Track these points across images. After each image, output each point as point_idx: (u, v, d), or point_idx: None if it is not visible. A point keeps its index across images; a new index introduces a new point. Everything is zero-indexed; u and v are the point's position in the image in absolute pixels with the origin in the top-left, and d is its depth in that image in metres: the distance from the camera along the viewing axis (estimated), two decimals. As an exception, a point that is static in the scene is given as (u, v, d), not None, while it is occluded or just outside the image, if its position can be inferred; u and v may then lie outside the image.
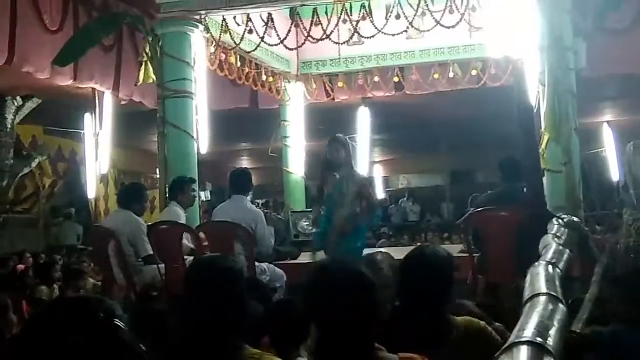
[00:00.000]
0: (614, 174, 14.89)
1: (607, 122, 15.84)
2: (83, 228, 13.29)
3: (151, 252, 6.10)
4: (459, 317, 2.87)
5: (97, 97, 10.69)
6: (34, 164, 12.49)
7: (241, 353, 2.40)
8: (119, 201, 6.69)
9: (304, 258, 7.33)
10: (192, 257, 6.08)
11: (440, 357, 2.42)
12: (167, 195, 6.74)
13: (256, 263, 6.03)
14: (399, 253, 2.72)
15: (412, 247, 3.46)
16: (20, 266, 9.15)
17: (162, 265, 6.02)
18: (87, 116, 11.37)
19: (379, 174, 21.23)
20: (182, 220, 6.31)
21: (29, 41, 7.55)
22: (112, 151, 11.44)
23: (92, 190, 11.83)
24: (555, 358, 1.36)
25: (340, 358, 2.15)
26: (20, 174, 12.12)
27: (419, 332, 2.60)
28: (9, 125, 11.03)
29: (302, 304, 2.42)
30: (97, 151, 11.26)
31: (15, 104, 10.97)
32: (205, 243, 6.13)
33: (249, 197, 6.59)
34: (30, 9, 7.53)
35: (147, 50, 7.30)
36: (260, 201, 15.54)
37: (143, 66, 7.36)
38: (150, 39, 7.26)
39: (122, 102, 10.06)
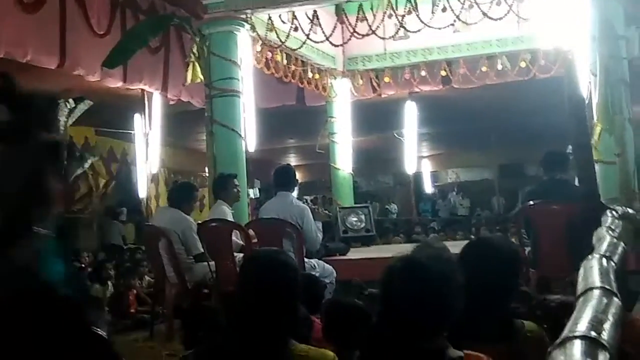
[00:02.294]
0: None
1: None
2: (135, 227, 13.52)
3: (202, 250, 6.17)
4: (525, 321, 2.73)
5: (146, 98, 10.86)
6: (86, 165, 12.70)
7: (290, 349, 2.41)
8: (170, 199, 6.78)
9: (353, 254, 7.33)
10: (242, 255, 6.14)
11: (500, 356, 2.33)
12: (213, 193, 6.78)
13: (305, 259, 6.05)
14: (451, 247, 2.57)
15: (462, 242, 3.36)
16: (76, 264, 9.35)
17: (212, 263, 6.08)
18: (137, 117, 11.56)
19: (427, 168, 21.11)
20: (229, 218, 6.36)
21: (79, 45, 7.72)
22: (162, 151, 11.62)
23: (143, 189, 12.02)
24: (611, 353, 1.33)
25: None
26: (73, 175, 12.37)
27: (481, 328, 2.44)
28: (62, 128, 11.25)
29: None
30: (147, 151, 11.44)
31: (68, 106, 11.16)
32: (255, 240, 6.17)
33: (294, 193, 6.62)
34: (78, 14, 7.71)
35: (195, 50, 7.38)
36: (308, 197, 15.59)
37: (191, 66, 7.45)
38: (198, 39, 7.34)
39: (171, 102, 10.21)
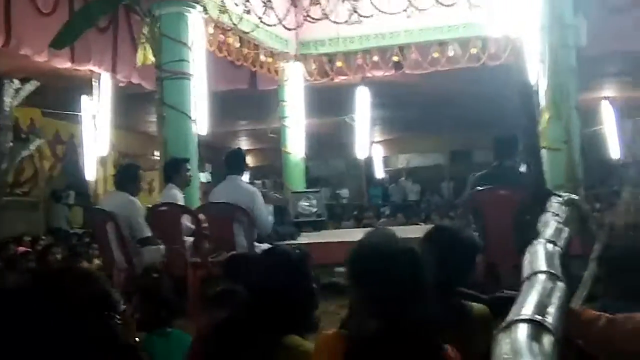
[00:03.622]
0: (614, 151, 14.87)
1: (607, 99, 15.79)
2: (83, 210, 13.30)
3: (148, 234, 6.11)
4: (475, 304, 2.81)
5: (95, 79, 10.65)
6: (32, 147, 12.47)
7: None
8: (116, 183, 6.68)
9: (304, 238, 7.34)
10: (191, 239, 6.10)
11: (451, 339, 2.37)
12: (164, 177, 6.71)
13: (257, 244, 6.04)
14: (401, 232, 2.62)
15: (412, 226, 3.45)
16: (21, 249, 9.17)
17: (162, 247, 6.03)
18: (86, 98, 11.34)
19: (378, 153, 21.22)
20: (180, 202, 6.31)
21: (25, 24, 7.52)
22: (111, 133, 11.42)
23: (91, 172, 11.82)
24: (555, 335, 1.36)
25: None
26: (19, 157, 12.10)
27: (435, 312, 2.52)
28: (7, 109, 10.99)
29: None
30: (95, 133, 11.24)
31: (14, 86, 10.93)
32: (205, 225, 6.13)
33: (244, 177, 6.59)
34: (23, -9, 7.49)
35: (145, 31, 7.26)
36: (258, 182, 15.55)
37: (141, 48, 7.33)
38: (148, 20, 7.22)
39: (121, 84, 10.03)
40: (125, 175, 6.55)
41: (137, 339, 1.60)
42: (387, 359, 2.12)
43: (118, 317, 1.51)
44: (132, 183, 6.40)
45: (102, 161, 12.28)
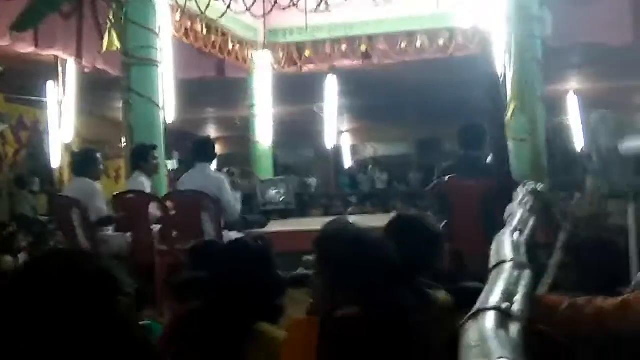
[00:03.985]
0: (579, 142, 15.08)
1: (573, 90, 16.00)
2: (47, 197, 13.12)
3: (106, 214, 6.08)
4: (439, 292, 2.84)
5: (60, 65, 10.49)
6: (-4, 133, 12.27)
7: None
8: (74, 170, 6.62)
9: (272, 227, 7.35)
10: (158, 226, 6.07)
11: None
12: (131, 165, 6.65)
13: (225, 232, 6.03)
14: (367, 221, 2.67)
15: (380, 215, 3.48)
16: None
17: (128, 234, 5.99)
18: (50, 84, 11.16)
19: (346, 142, 21.25)
20: (148, 190, 6.27)
21: (-13, 8, 7.37)
22: (76, 120, 11.25)
23: (56, 159, 11.66)
24: (521, 323, 1.38)
25: None
26: (-18, 143, 11.90)
27: (400, 300, 2.55)
28: (-31, 94, 10.80)
29: None
30: (60, 120, 11.08)
31: (-24, 71, 10.74)
32: (173, 212, 6.11)
33: (212, 165, 6.58)
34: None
35: (111, 17, 7.16)
36: (225, 170, 15.47)
37: (107, 33, 7.23)
38: (114, 5, 7.12)
39: (86, 70, 9.89)
40: (83, 160, 6.48)
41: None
42: (363, 342, 2.14)
43: (125, 299, 1.49)
44: (90, 167, 6.33)
45: (67, 148, 12.11)
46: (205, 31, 8.51)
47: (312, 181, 20.61)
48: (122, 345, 1.45)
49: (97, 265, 1.51)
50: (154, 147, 6.59)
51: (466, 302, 1.56)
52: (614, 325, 2.09)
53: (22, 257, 8.17)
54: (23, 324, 1.39)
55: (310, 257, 2.62)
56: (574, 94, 15.91)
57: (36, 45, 8.35)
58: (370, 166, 20.52)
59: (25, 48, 8.45)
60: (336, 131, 13.70)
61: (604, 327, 2.10)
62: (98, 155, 6.66)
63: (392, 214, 3.52)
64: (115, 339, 1.44)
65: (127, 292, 1.50)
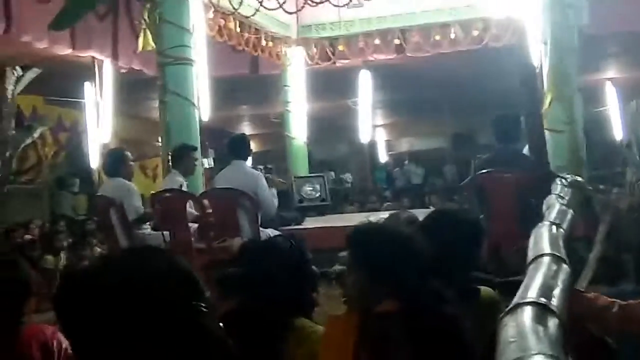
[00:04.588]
0: (617, 132, 14.82)
1: (610, 80, 15.73)
2: (87, 198, 13.31)
3: (142, 212, 6.17)
4: (483, 288, 2.82)
5: (97, 66, 10.63)
6: (36, 135, 12.47)
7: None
8: (106, 172, 6.72)
9: (308, 223, 7.36)
10: (196, 225, 6.12)
11: None
12: (170, 164, 6.73)
13: (261, 229, 6.05)
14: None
15: (417, 210, 3.47)
16: (27, 237, 9.20)
17: (166, 233, 6.05)
18: (88, 85, 11.31)
19: (381, 137, 21.18)
20: (183, 188, 6.32)
21: (25, 11, 7.49)
22: (114, 120, 11.40)
23: (94, 160, 11.82)
24: (560, 318, 1.36)
25: None
26: (22, 145, 12.11)
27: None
28: (9, 96, 10.98)
29: None
30: (98, 120, 11.23)
31: (15, 74, 10.91)
32: (209, 211, 6.15)
33: (248, 162, 6.62)
34: (20, -22, 7.46)
35: (146, 17, 7.23)
36: (261, 167, 15.54)
37: (142, 33, 7.30)
38: (149, 5, 7.19)
39: (122, 71, 10.01)
40: (113, 161, 6.59)
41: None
42: (404, 337, 2.13)
43: (204, 305, 1.41)
44: (121, 167, 6.45)
45: (105, 148, 12.28)
46: (238, 28, 8.55)
47: (348, 177, 20.63)
48: (203, 348, 1.40)
49: (187, 267, 1.45)
50: (195, 149, 6.68)
51: (510, 295, 1.54)
52: None
53: (63, 256, 8.32)
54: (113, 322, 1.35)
55: (346, 254, 2.62)
56: (612, 83, 15.64)
57: (73, 47, 8.47)
58: (406, 161, 20.45)
59: (63, 50, 8.58)
60: (371, 126, 13.69)
61: None
62: (127, 154, 6.76)
63: (429, 209, 3.50)
64: (197, 342, 1.39)
65: (206, 297, 1.44)
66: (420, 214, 3.45)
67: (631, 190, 6.84)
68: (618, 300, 2.15)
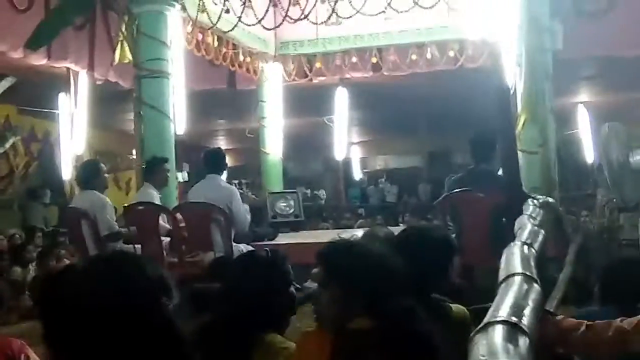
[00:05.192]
0: (589, 155, 15.03)
1: (583, 103, 15.96)
2: (58, 209, 13.17)
3: (115, 229, 6.10)
4: (453, 305, 2.84)
5: (72, 77, 10.55)
6: (7, 145, 12.34)
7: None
8: (80, 183, 6.65)
9: (281, 239, 7.34)
10: (168, 239, 6.08)
11: None
12: (142, 176, 6.69)
13: (234, 244, 6.03)
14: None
15: (391, 228, 3.48)
16: (-6, 248, 9.08)
17: (138, 246, 6.00)
18: (62, 96, 11.22)
19: (356, 155, 21.26)
20: (156, 201, 6.29)
21: (0, 20, 7.43)
22: (88, 132, 11.31)
23: (67, 171, 11.70)
24: (530, 337, 1.38)
25: None
26: (-6, 155, 11.98)
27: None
28: (-19, 105, 10.87)
29: None
30: (72, 132, 11.13)
31: (-12, 83, 10.81)
32: (182, 224, 6.12)
33: (223, 177, 6.60)
34: (-3, -12, 7.40)
35: (123, 29, 7.21)
36: (236, 182, 15.50)
37: (119, 46, 7.27)
38: (126, 18, 7.17)
39: (98, 82, 9.95)
40: (88, 173, 6.52)
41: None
42: (378, 355, 2.13)
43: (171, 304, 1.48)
44: (95, 179, 6.38)
45: (78, 160, 12.16)
46: (216, 43, 8.55)
47: (322, 193, 20.65)
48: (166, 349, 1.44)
49: (158, 270, 1.52)
50: (166, 160, 6.63)
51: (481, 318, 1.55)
52: (637, 346, 2.08)
53: (31, 268, 8.21)
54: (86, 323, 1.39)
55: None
56: (585, 106, 15.88)
57: (49, 58, 8.40)
58: (382, 179, 20.53)
59: (39, 60, 8.51)
60: (346, 143, 13.71)
61: (626, 347, 2.09)
62: (102, 166, 6.70)
63: (403, 227, 3.52)
64: (161, 343, 1.44)
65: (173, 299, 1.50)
66: (395, 232, 3.47)
67: (601, 213, 6.93)
68: (585, 322, 2.17)
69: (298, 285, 2.91)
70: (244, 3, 7.66)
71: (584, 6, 8.12)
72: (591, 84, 14.97)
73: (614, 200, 6.26)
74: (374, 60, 9.78)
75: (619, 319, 2.17)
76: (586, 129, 15.62)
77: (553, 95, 6.63)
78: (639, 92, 14.87)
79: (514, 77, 6.43)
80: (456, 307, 2.81)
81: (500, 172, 5.67)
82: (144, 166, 6.70)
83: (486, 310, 2.01)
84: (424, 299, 2.55)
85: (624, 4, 8.25)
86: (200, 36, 8.03)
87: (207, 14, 7.60)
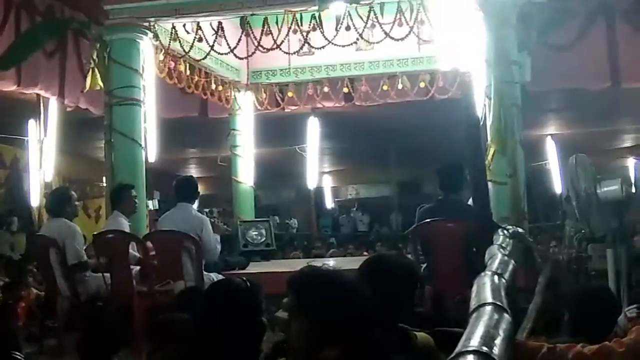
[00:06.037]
0: (557, 186, 15.22)
1: (551, 135, 16.21)
2: (26, 237, 12.97)
3: (84, 259, 6.02)
4: (419, 333, 2.83)
5: (42, 103, 10.47)
6: (-26, 172, 12.16)
7: None
8: (50, 210, 6.56)
9: (253, 268, 7.30)
10: (138, 267, 6.01)
11: None
12: (110, 204, 6.62)
13: (205, 273, 5.98)
14: (349, 263, 2.67)
15: (361, 258, 3.47)
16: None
17: (107, 275, 5.92)
18: (32, 122, 11.11)
19: (328, 184, 21.30)
20: (126, 229, 6.22)
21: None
22: (57, 159, 11.20)
23: (35, 198, 11.55)
24: (501, 367, 1.38)
25: None
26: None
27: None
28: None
29: None
30: (41, 158, 11.01)
31: (-45, 109, 10.67)
32: (152, 253, 6.06)
33: (194, 205, 6.56)
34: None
35: (95, 56, 7.19)
36: (207, 210, 15.40)
37: (90, 73, 7.24)
38: (98, 45, 7.15)
39: (68, 109, 9.88)
40: (58, 200, 6.44)
41: None
42: None
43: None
44: (66, 207, 6.30)
45: (47, 187, 12.01)
46: (188, 72, 8.55)
47: (293, 222, 20.62)
48: None
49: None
50: (131, 187, 6.55)
51: (447, 344, 1.56)
52: None
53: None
54: None
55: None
56: (553, 138, 16.12)
57: (18, 84, 8.34)
58: (354, 208, 20.55)
59: (8, 86, 8.44)
60: (318, 172, 13.75)
61: None
62: (72, 194, 6.63)
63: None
64: None
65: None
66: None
67: (570, 243, 7.00)
68: (545, 344, 2.19)
69: (268, 317, 2.88)
70: (216, 32, 7.69)
71: (552, 39, 8.28)
72: (559, 117, 15.22)
73: (582, 231, 6.34)
74: (346, 90, 9.84)
75: (580, 345, 2.20)
76: (554, 161, 15.84)
77: (522, 126, 6.73)
78: (606, 125, 15.18)
79: (484, 109, 6.52)
80: (420, 335, 2.80)
81: (470, 202, 5.73)
82: (110, 194, 6.63)
83: (450, 333, 2.01)
84: (387, 326, 2.54)
85: (591, 37, 8.44)
86: (172, 64, 8.03)
87: (180, 42, 7.62)
